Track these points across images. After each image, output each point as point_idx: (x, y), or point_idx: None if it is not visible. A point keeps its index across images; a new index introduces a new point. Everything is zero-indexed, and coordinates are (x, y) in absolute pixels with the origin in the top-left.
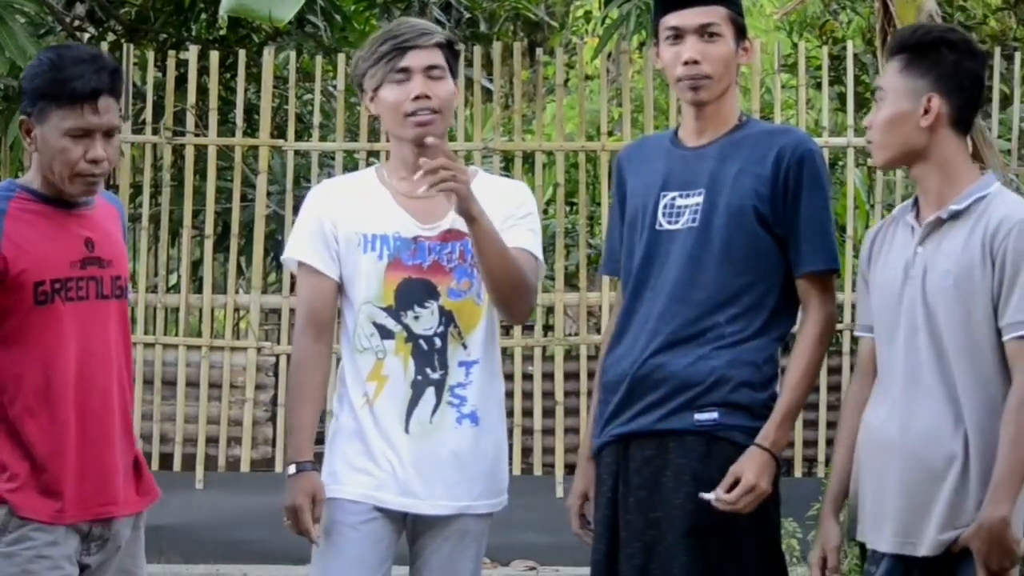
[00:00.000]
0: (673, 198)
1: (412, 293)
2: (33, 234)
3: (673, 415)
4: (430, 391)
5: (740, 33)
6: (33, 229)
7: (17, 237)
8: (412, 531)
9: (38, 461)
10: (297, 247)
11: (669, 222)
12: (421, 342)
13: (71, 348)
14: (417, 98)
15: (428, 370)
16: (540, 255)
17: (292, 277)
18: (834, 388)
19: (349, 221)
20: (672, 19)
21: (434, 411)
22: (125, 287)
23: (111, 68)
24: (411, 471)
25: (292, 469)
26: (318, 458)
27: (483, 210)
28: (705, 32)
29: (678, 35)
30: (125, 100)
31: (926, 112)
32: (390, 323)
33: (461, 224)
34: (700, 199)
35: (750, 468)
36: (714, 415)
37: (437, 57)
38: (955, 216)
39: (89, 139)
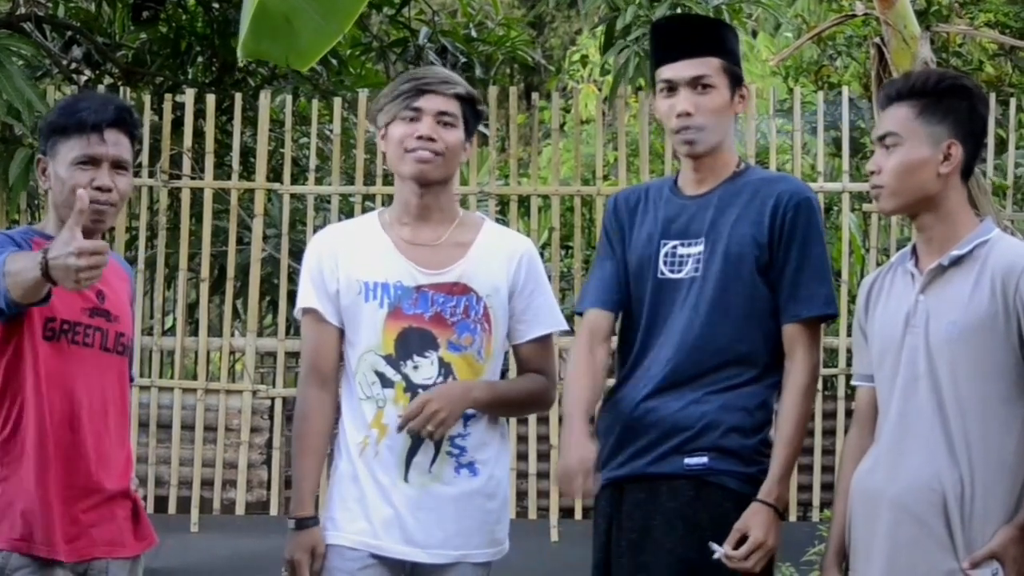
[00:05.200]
0: (674, 247)
1: (412, 343)
2: None
3: (663, 459)
4: (429, 441)
5: (736, 81)
6: None
7: None
8: None
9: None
10: (303, 294)
11: (671, 271)
12: (420, 392)
13: (67, 389)
14: (421, 138)
15: None
16: (560, 318)
17: (288, 320)
18: (828, 432)
19: (350, 268)
20: (666, 71)
21: (433, 460)
22: (127, 346)
23: (118, 105)
24: (409, 519)
25: (292, 524)
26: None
27: (479, 397)
28: (698, 84)
29: (672, 87)
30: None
31: (946, 159)
32: (389, 372)
33: (469, 278)
34: (701, 248)
35: (757, 525)
36: (704, 460)
37: (452, 105)
38: (956, 262)
39: (96, 168)
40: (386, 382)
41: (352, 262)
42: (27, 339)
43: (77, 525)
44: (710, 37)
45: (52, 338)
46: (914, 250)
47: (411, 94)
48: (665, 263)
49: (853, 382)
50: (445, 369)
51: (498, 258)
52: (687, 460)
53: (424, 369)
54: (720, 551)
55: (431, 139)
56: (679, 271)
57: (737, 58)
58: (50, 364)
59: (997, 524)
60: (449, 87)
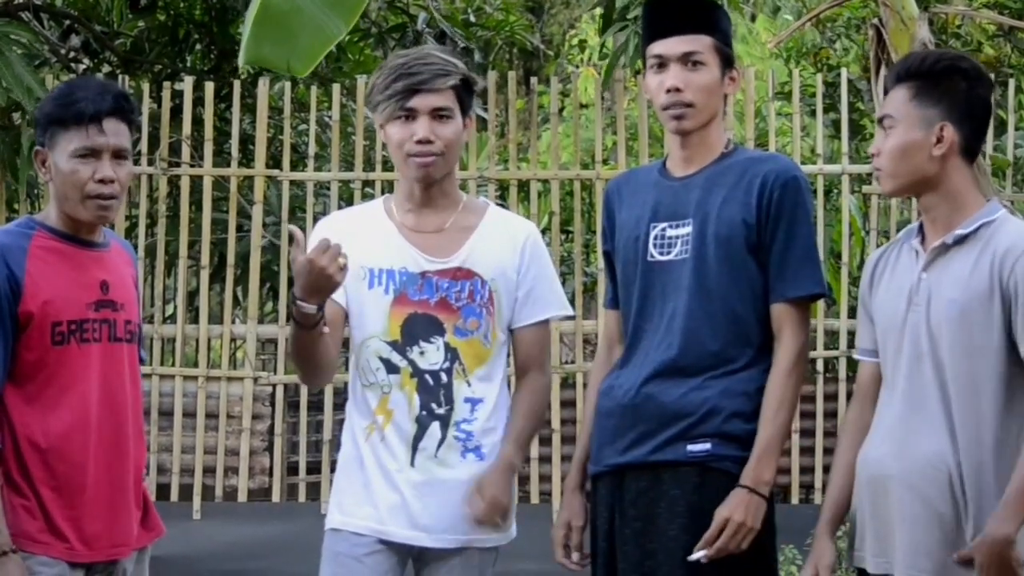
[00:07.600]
0: (663, 229)
1: (418, 328)
2: (52, 274)
3: (666, 446)
4: (435, 425)
5: (727, 62)
6: (52, 269)
7: (38, 276)
8: (418, 563)
9: (45, 499)
10: None
11: (661, 253)
12: (427, 377)
13: (84, 390)
14: (420, 142)
15: (434, 405)
16: (564, 302)
17: (288, 307)
18: (831, 415)
19: (355, 255)
20: (657, 47)
21: (439, 445)
22: (135, 332)
23: (116, 92)
24: (416, 504)
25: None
26: (314, 488)
27: (516, 462)
28: (688, 60)
29: (662, 63)
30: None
31: (939, 141)
32: (396, 358)
33: (472, 262)
34: (689, 229)
35: (725, 505)
36: (707, 446)
37: (447, 99)
38: (960, 241)
39: (97, 160)
40: (392, 368)
41: (357, 248)
42: (36, 350)
43: (96, 524)
44: (702, 15)
45: (61, 342)
46: (920, 228)
47: (403, 95)
48: (655, 245)
49: (856, 356)
50: (452, 354)
51: (502, 242)
52: (690, 447)
53: (430, 354)
54: (700, 554)
55: (429, 141)
56: (668, 253)
57: (729, 39)
58: (62, 369)
59: None
60: (444, 81)
